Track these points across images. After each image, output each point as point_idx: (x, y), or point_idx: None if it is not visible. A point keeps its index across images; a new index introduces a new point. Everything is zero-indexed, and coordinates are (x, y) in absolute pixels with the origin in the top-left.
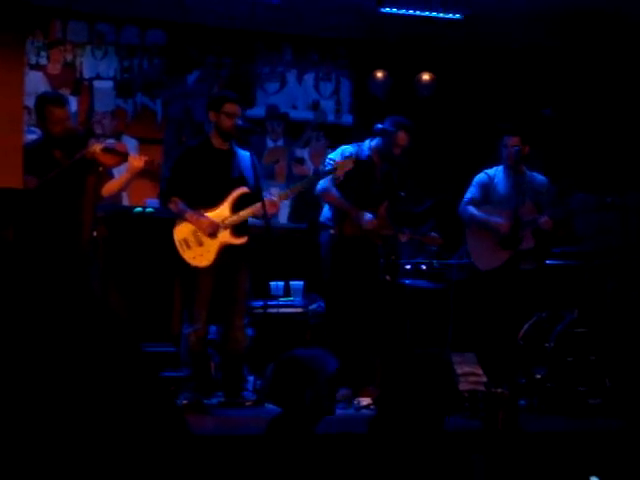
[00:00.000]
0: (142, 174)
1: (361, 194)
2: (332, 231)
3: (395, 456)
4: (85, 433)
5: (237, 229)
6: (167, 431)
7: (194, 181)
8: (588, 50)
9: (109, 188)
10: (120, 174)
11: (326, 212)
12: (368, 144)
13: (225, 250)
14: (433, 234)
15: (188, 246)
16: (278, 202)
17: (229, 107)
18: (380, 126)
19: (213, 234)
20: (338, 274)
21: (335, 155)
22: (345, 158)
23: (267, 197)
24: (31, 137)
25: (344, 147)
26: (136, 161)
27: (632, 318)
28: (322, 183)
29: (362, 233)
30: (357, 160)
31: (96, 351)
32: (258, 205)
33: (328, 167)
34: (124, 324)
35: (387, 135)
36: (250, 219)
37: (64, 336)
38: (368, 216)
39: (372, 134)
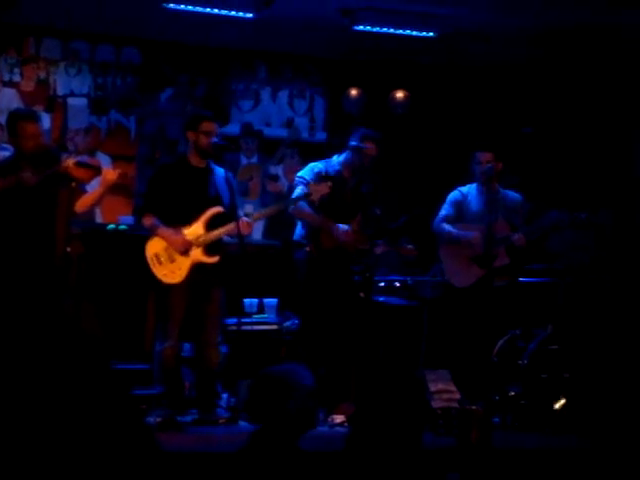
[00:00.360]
0: (115, 190)
1: (333, 209)
2: (307, 248)
3: (371, 474)
4: (55, 451)
5: (210, 248)
6: (136, 448)
7: (170, 198)
8: (563, 67)
9: (83, 203)
10: (93, 189)
11: (300, 230)
12: (337, 159)
13: (197, 268)
14: (408, 246)
15: (159, 262)
16: (252, 222)
17: (206, 126)
18: (353, 143)
19: (185, 252)
20: (313, 291)
21: (304, 172)
22: (320, 182)
23: (242, 217)
24: (3, 154)
25: (312, 164)
26: (109, 174)
27: (605, 335)
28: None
29: (338, 245)
30: (327, 177)
31: (66, 368)
32: (232, 225)
33: (299, 187)
34: (95, 341)
35: (357, 149)
36: (225, 237)
37: (33, 351)
38: (343, 227)
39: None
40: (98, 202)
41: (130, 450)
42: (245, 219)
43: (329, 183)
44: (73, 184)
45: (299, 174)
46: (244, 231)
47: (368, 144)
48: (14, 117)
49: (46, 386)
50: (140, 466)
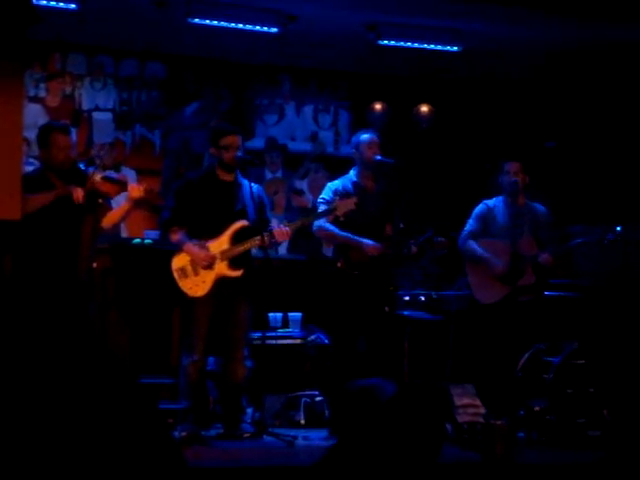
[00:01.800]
0: (140, 204)
1: (361, 219)
2: (338, 264)
3: None
4: (84, 467)
5: (234, 261)
6: (163, 463)
7: (196, 212)
8: (588, 82)
9: (109, 219)
10: (118, 205)
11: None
12: (352, 172)
13: (221, 282)
14: (439, 239)
15: (185, 275)
16: (290, 231)
17: (226, 140)
18: (351, 151)
19: (209, 266)
20: (345, 306)
21: (324, 194)
22: (346, 196)
23: (277, 226)
24: (29, 169)
25: (330, 184)
26: (135, 190)
27: (631, 350)
28: (317, 222)
29: (368, 259)
30: (348, 193)
31: (94, 383)
32: (257, 239)
33: (322, 207)
34: (123, 356)
35: (356, 154)
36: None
37: (61, 368)
38: (369, 242)
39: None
40: (124, 218)
41: (158, 464)
42: (282, 227)
43: (354, 199)
44: (100, 200)
45: (320, 196)
46: (282, 239)
47: (365, 145)
48: (48, 128)
49: (73, 399)
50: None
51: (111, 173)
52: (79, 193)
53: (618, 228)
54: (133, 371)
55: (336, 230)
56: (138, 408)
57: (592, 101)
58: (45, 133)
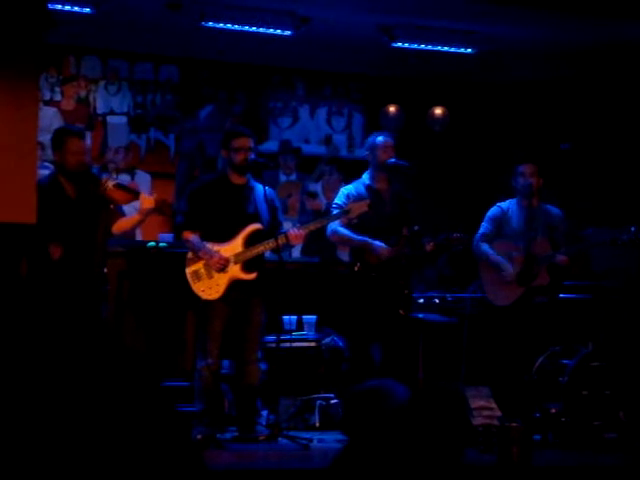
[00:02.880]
0: (152, 212)
1: (376, 222)
2: (356, 268)
3: None
4: (104, 467)
5: (248, 265)
6: (184, 466)
7: (209, 215)
8: (603, 82)
9: (120, 226)
10: (131, 212)
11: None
12: (366, 176)
13: (235, 285)
14: (456, 234)
15: (199, 278)
16: (304, 233)
17: (237, 142)
18: (364, 153)
19: (222, 269)
20: (362, 309)
21: (338, 199)
22: (359, 199)
23: (291, 229)
24: (43, 172)
25: (343, 189)
26: (147, 202)
27: None
28: (330, 225)
29: (385, 261)
30: (361, 196)
31: (114, 384)
32: (270, 242)
33: (336, 211)
34: (143, 358)
35: (369, 156)
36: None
37: (79, 370)
38: (380, 245)
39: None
40: (135, 227)
41: (178, 466)
42: (296, 230)
43: (367, 201)
44: (111, 206)
45: (334, 201)
46: (296, 241)
47: (379, 147)
48: (62, 132)
49: (93, 402)
50: None
51: (124, 181)
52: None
53: (632, 228)
54: (155, 372)
55: (349, 233)
56: (158, 410)
57: (607, 103)
58: (60, 136)
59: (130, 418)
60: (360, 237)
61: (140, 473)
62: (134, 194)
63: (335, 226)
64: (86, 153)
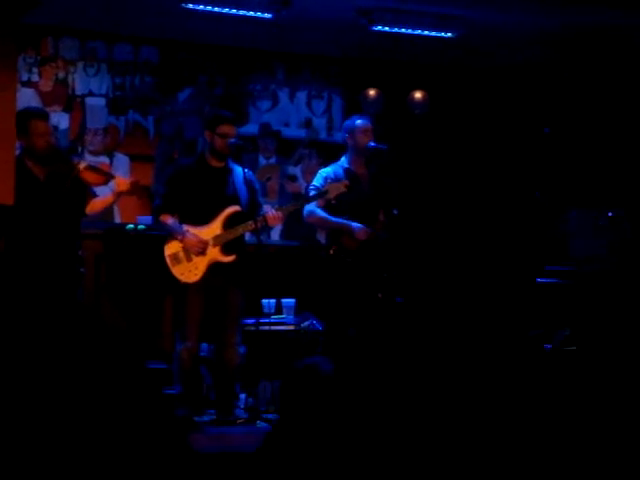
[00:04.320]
0: (129, 192)
1: (353, 206)
2: (331, 251)
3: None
4: (90, 449)
5: (227, 247)
6: (168, 444)
7: (187, 198)
8: (583, 67)
9: (92, 207)
10: (104, 193)
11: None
12: (344, 159)
13: (214, 267)
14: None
15: (178, 261)
16: (282, 215)
17: (223, 128)
18: (343, 135)
19: (201, 252)
20: (339, 292)
21: (315, 180)
22: (337, 181)
23: (270, 210)
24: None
25: (321, 171)
26: (122, 184)
27: (622, 337)
28: (307, 207)
29: (361, 245)
30: (344, 179)
31: (96, 365)
32: (249, 223)
33: (313, 193)
34: (125, 338)
35: (348, 139)
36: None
37: (57, 352)
38: (358, 226)
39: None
40: (107, 208)
41: (162, 446)
42: (274, 211)
43: (345, 182)
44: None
45: (311, 183)
46: (274, 223)
47: (358, 131)
48: (25, 115)
49: (73, 383)
50: (171, 463)
51: (95, 162)
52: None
53: (610, 213)
54: (139, 355)
55: (326, 215)
56: (144, 391)
57: (587, 86)
58: (23, 119)
59: (114, 398)
60: (336, 219)
61: (126, 452)
62: (107, 176)
63: (312, 207)
64: (51, 134)
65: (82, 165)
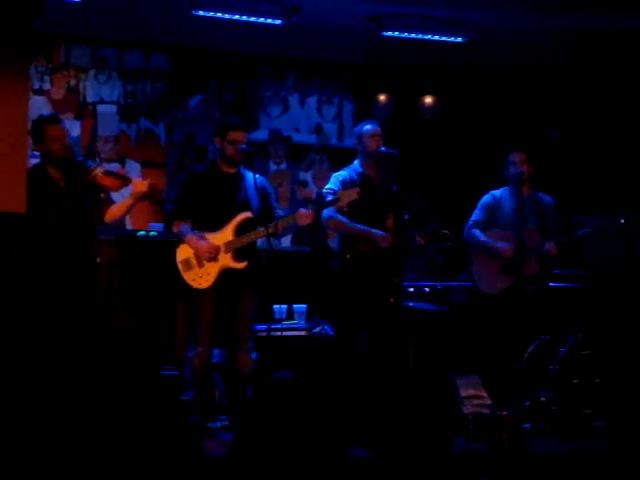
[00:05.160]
0: (144, 198)
1: (366, 211)
2: (348, 255)
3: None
4: (103, 449)
5: (238, 253)
6: (182, 450)
7: (199, 204)
8: (592, 71)
9: (112, 214)
10: (121, 199)
11: (337, 238)
12: (357, 163)
13: (226, 273)
14: (444, 231)
15: (189, 267)
16: (313, 214)
17: (233, 135)
18: (354, 141)
19: (213, 258)
20: (353, 298)
21: (330, 184)
22: (349, 188)
23: (300, 209)
24: (35, 162)
25: (336, 174)
26: (139, 185)
27: (636, 340)
28: (326, 212)
29: (377, 250)
30: (353, 183)
31: (111, 373)
32: (261, 230)
33: (329, 197)
34: (139, 346)
35: (358, 144)
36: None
37: (73, 358)
38: (380, 233)
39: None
40: (127, 213)
41: (176, 452)
42: (303, 210)
43: (357, 189)
44: (102, 195)
45: (327, 186)
46: (304, 222)
47: (368, 136)
48: (39, 122)
49: (88, 390)
50: (185, 469)
51: (113, 167)
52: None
53: (622, 220)
54: (152, 362)
55: (347, 220)
56: (158, 398)
57: (596, 90)
58: (37, 127)
59: (128, 404)
60: (359, 225)
61: (140, 459)
62: (124, 179)
63: (331, 212)
64: (67, 137)
65: (99, 170)
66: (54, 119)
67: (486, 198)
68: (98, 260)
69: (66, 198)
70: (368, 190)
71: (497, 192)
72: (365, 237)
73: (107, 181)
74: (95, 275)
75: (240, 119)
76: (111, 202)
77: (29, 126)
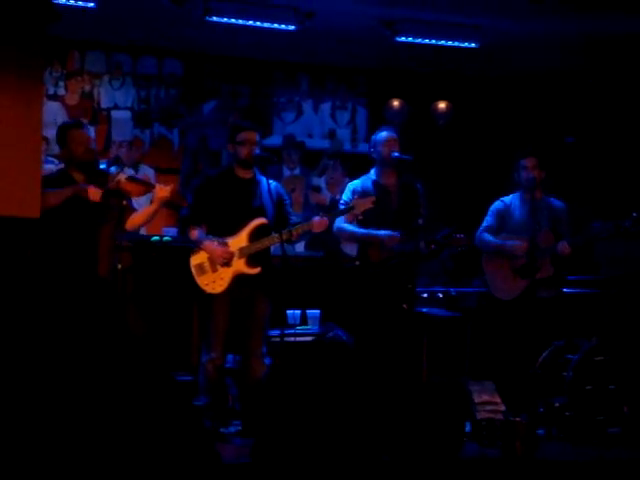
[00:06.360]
0: (166, 204)
1: (383, 217)
2: (357, 262)
3: None
4: (118, 455)
5: (252, 259)
6: (197, 456)
7: (214, 209)
8: (606, 76)
9: (134, 221)
10: (141, 206)
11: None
12: (373, 171)
13: (239, 279)
14: (459, 235)
15: (203, 271)
16: (327, 222)
17: (242, 135)
18: (369, 150)
19: (226, 263)
20: (365, 304)
21: (344, 195)
22: (364, 197)
23: (316, 217)
24: (49, 167)
25: (350, 184)
26: (162, 191)
27: None
28: (336, 222)
29: (387, 255)
30: (367, 192)
31: (127, 378)
32: (275, 236)
33: (341, 207)
34: (154, 351)
35: (374, 153)
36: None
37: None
38: (385, 233)
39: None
40: (150, 219)
41: (192, 457)
42: (317, 218)
43: (372, 198)
44: (124, 202)
45: (343, 197)
46: (319, 229)
47: (382, 143)
48: (63, 128)
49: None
50: (200, 473)
51: (136, 173)
52: (96, 193)
53: (634, 214)
54: (167, 367)
55: (354, 229)
56: (173, 403)
57: (611, 95)
58: (62, 132)
59: (142, 408)
60: (363, 230)
61: (154, 463)
62: (148, 186)
63: (339, 223)
64: (91, 142)
65: (123, 177)
66: (78, 124)
67: (496, 204)
68: (119, 267)
69: (90, 204)
70: (382, 198)
71: (507, 198)
72: (374, 241)
73: (130, 187)
74: (115, 281)
75: (248, 120)
76: (133, 209)
77: (51, 132)
